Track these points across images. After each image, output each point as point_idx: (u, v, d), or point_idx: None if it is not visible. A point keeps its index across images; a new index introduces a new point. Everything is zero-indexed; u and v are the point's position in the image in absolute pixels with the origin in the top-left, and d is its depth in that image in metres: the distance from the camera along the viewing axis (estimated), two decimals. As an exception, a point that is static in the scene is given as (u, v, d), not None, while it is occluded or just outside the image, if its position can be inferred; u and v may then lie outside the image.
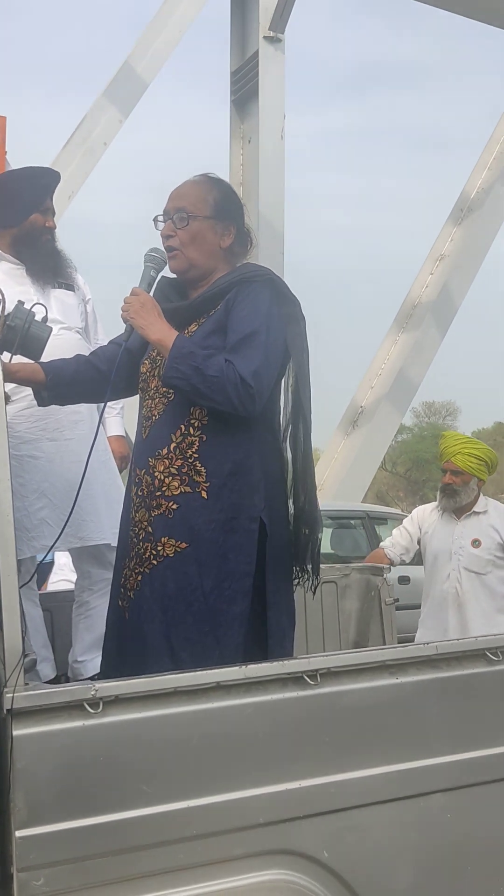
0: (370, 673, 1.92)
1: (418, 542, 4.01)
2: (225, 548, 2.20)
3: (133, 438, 2.52)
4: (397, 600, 3.49)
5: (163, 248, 2.37)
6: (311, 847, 1.84)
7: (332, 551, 7.26)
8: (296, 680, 1.85)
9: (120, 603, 2.37)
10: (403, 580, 6.15)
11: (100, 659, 3.01)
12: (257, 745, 1.81)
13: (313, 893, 1.82)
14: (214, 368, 2.14)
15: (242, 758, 1.80)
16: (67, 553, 3.73)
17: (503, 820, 2.03)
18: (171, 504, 2.22)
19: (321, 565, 3.54)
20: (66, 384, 2.43)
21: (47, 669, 3.04)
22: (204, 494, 2.21)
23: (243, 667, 1.83)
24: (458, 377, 60.48)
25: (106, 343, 2.72)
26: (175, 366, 2.15)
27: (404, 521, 4.12)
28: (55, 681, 3.06)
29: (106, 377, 2.41)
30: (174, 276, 2.42)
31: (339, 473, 9.95)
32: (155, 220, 2.39)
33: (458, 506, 3.83)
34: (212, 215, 2.35)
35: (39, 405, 2.50)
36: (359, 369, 10.52)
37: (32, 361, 2.40)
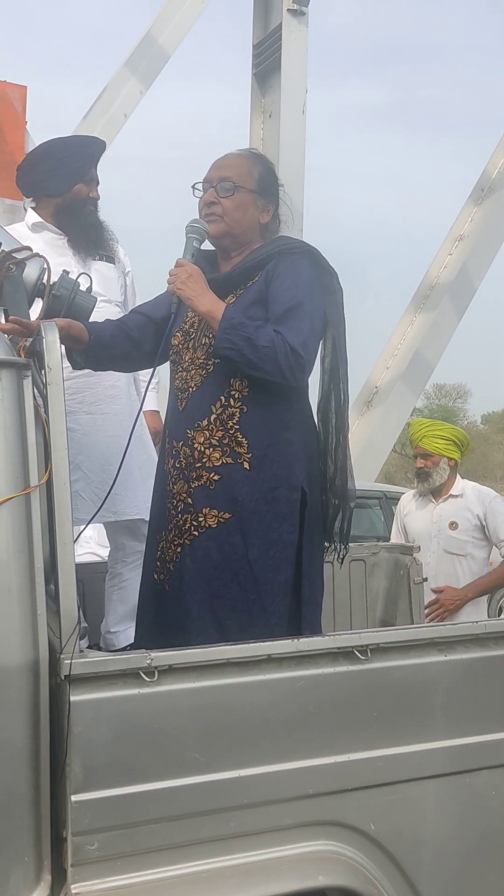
0: (419, 649, 1.92)
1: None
2: (269, 518, 2.22)
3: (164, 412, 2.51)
4: (426, 579, 3.50)
5: (201, 219, 2.36)
6: (359, 819, 1.85)
7: (348, 530, 7.25)
8: (346, 654, 1.86)
9: (155, 576, 2.38)
10: None
11: (132, 630, 3.03)
12: (308, 718, 1.83)
13: (359, 864, 1.84)
14: (265, 339, 2.14)
15: (293, 730, 1.82)
16: (93, 526, 3.74)
17: (546, 797, 2.04)
18: (212, 475, 2.23)
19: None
20: (103, 347, 2.38)
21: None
22: (246, 465, 2.22)
23: (295, 640, 1.84)
24: (470, 359, 60.31)
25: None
26: (226, 336, 2.15)
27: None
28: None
29: (136, 344, 2.41)
30: (207, 247, 2.40)
31: (353, 453, 9.82)
32: (194, 186, 2.38)
33: (433, 487, 3.90)
34: (256, 190, 2.36)
35: (73, 368, 2.43)
36: (375, 349, 10.48)
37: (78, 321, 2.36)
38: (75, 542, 2.83)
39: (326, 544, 2.43)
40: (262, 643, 1.82)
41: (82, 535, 4.36)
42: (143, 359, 2.46)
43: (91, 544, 4.13)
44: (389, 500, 7.04)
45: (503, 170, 10.36)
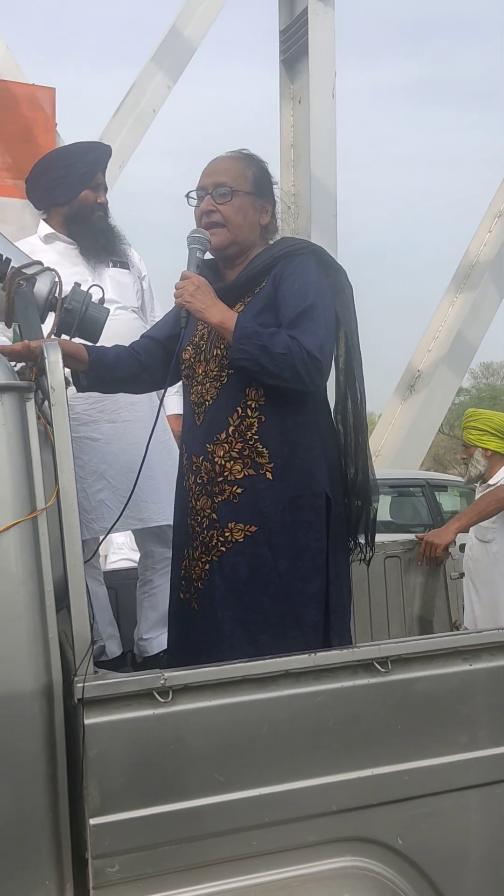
0: (443, 659, 1.88)
1: None
2: (295, 527, 2.19)
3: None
4: (462, 575, 3.43)
5: (203, 228, 2.31)
6: (385, 834, 1.82)
7: (392, 520, 7.19)
8: (366, 667, 1.82)
9: (182, 595, 2.35)
10: None
11: (165, 636, 3.03)
12: (328, 733, 1.79)
13: (388, 880, 1.80)
14: (281, 346, 2.10)
15: (314, 745, 1.79)
16: (125, 532, 3.75)
17: None
18: (235, 489, 2.20)
19: (384, 538, 3.54)
20: (106, 368, 2.35)
21: (113, 647, 3.07)
22: (269, 475, 2.19)
23: (313, 654, 1.80)
24: (517, 336, 59.10)
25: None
26: (241, 347, 2.11)
27: None
28: (121, 657, 3.09)
29: (144, 367, 2.40)
30: (209, 256, 2.35)
31: (397, 439, 9.83)
32: (188, 196, 2.32)
33: (470, 478, 3.95)
34: (252, 191, 2.30)
35: (78, 391, 2.41)
36: (416, 333, 10.34)
37: (78, 340, 2.35)
38: (95, 552, 2.86)
39: (351, 547, 2.40)
40: (278, 658, 1.79)
41: (115, 541, 4.40)
42: (154, 381, 2.44)
43: (125, 550, 4.15)
44: (433, 488, 6.93)
45: (542, 141, 10.09)
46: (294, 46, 9.67)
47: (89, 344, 2.37)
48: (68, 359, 2.25)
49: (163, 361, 2.40)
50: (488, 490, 3.76)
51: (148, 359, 2.40)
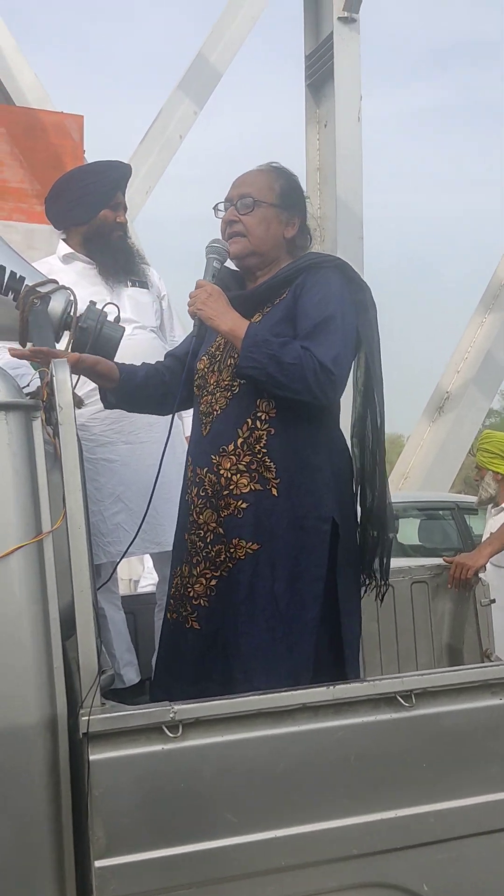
0: (470, 693, 1.77)
1: None
2: (297, 549, 2.09)
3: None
4: (493, 601, 3.30)
5: (222, 239, 2.26)
6: (410, 880, 1.71)
7: (421, 543, 7.04)
8: (388, 701, 1.72)
9: (170, 616, 2.25)
10: None
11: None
12: (349, 771, 1.69)
13: (413, 930, 1.68)
14: (292, 355, 2.03)
15: (333, 784, 1.69)
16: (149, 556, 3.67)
17: None
18: (240, 503, 2.11)
19: (411, 563, 3.42)
20: (136, 387, 2.33)
21: (131, 674, 2.99)
22: (274, 492, 2.10)
23: (331, 687, 1.71)
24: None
25: (180, 342, 2.64)
26: (250, 355, 2.04)
27: None
28: (140, 685, 3.00)
29: (168, 387, 2.35)
30: (234, 268, 2.31)
31: (426, 461, 9.70)
32: (215, 208, 2.29)
33: (480, 500, 4.00)
34: (277, 203, 2.25)
35: (105, 407, 2.42)
36: (444, 354, 10.22)
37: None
38: (112, 575, 2.79)
39: (364, 580, 2.28)
40: (295, 691, 1.70)
41: (145, 565, 4.32)
42: (181, 402, 2.38)
43: (155, 574, 4.07)
44: (462, 511, 6.78)
45: None
46: (320, 71, 9.71)
47: (119, 363, 2.31)
48: (98, 376, 2.27)
49: (184, 380, 2.33)
50: None
51: (171, 378, 2.35)
